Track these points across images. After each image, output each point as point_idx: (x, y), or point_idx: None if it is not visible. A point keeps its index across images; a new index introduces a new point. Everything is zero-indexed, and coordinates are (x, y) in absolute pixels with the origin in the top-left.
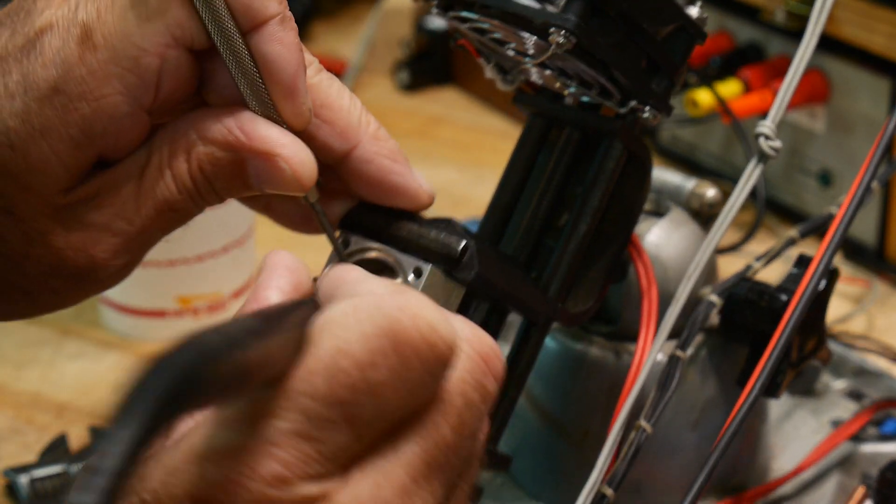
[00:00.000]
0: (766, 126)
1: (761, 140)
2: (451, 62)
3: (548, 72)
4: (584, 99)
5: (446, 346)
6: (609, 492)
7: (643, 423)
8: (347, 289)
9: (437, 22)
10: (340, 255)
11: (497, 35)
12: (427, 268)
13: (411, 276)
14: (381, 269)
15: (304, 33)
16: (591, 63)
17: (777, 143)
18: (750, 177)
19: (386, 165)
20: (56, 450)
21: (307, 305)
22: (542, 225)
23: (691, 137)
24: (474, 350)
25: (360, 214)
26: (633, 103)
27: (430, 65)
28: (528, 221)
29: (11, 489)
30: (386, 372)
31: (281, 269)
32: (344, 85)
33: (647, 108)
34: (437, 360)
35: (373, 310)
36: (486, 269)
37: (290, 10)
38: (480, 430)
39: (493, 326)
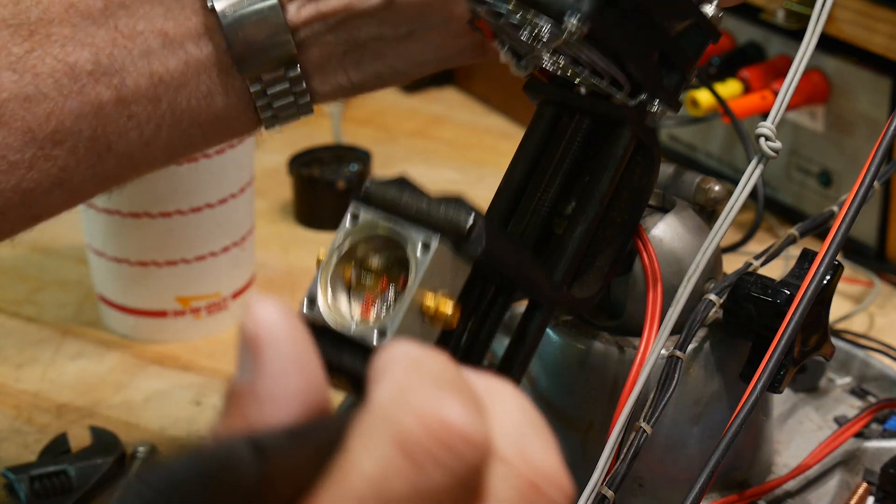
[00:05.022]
0: (766, 127)
1: (761, 141)
2: None
3: (561, 59)
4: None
5: (469, 445)
6: (609, 493)
7: (643, 424)
8: (378, 381)
9: None
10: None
11: (513, 20)
12: (435, 241)
13: (419, 250)
14: (388, 244)
15: None
16: (604, 52)
17: (777, 144)
18: (750, 177)
19: None
20: (56, 450)
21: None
22: (549, 211)
23: (691, 137)
24: (521, 471)
25: (371, 189)
26: (642, 97)
27: None
28: (536, 207)
29: (11, 489)
30: (401, 486)
31: (288, 367)
32: None
33: (656, 102)
34: (462, 463)
35: (375, 420)
36: (494, 245)
37: None
38: None
39: (497, 311)
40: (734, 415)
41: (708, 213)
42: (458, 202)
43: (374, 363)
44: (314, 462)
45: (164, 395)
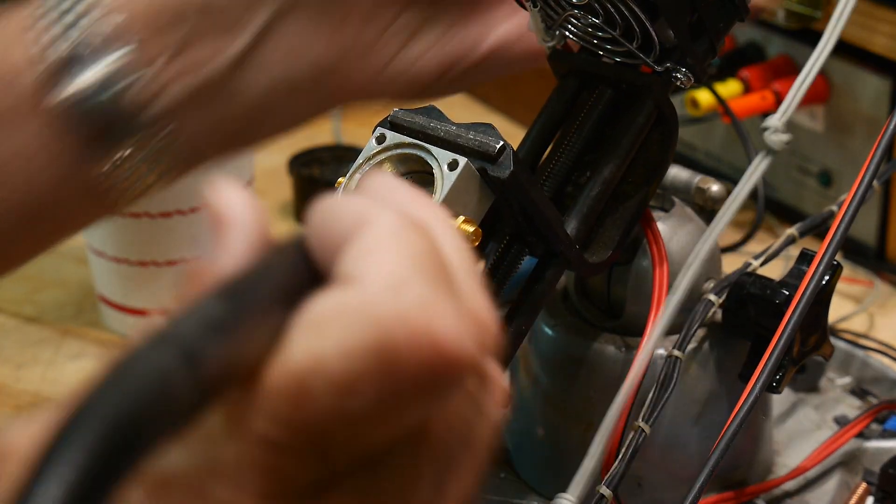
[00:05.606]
0: (775, 120)
1: (768, 133)
2: None
3: (592, 20)
4: (619, 59)
5: (454, 367)
6: (607, 492)
7: (641, 423)
8: (356, 249)
9: None
10: None
11: None
12: (463, 161)
13: (446, 168)
14: (412, 168)
15: None
16: (642, 5)
17: (785, 137)
18: (756, 169)
19: None
20: None
21: (288, 265)
22: (563, 181)
23: (691, 137)
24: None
25: (398, 115)
26: (669, 64)
27: None
28: (550, 174)
29: None
30: (366, 401)
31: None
32: None
33: (683, 69)
34: (439, 387)
35: (362, 316)
36: (521, 172)
37: None
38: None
39: (510, 258)
40: (732, 414)
41: (707, 213)
42: (487, 128)
43: (355, 196)
44: (256, 345)
45: None
